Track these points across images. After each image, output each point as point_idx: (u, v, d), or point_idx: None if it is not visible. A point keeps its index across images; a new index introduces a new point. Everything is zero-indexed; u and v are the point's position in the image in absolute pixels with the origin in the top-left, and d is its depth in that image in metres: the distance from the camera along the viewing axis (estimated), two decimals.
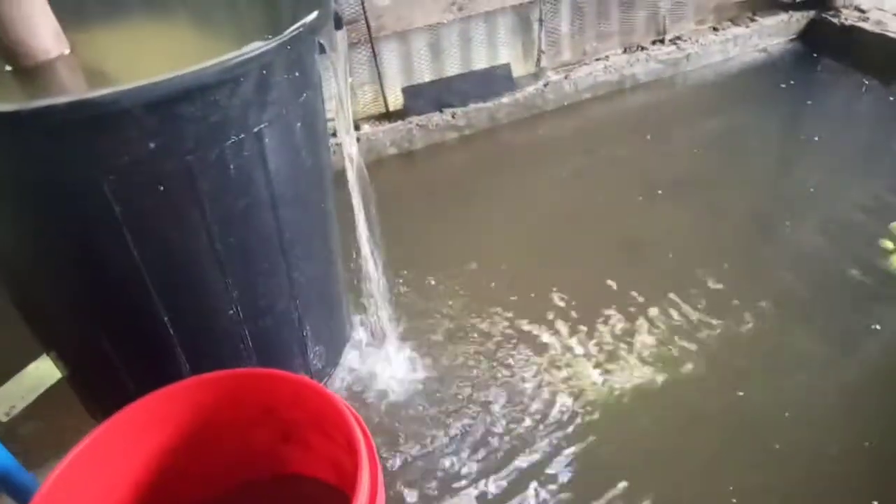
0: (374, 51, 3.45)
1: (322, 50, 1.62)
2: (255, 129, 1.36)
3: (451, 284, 2.62)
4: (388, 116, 3.65)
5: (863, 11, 3.92)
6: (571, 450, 1.95)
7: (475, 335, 2.38)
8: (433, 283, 2.64)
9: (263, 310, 1.57)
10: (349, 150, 1.89)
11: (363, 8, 3.29)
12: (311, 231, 1.69)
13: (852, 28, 3.82)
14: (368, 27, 3.37)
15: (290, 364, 1.71)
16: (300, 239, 1.61)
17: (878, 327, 2.25)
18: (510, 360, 2.27)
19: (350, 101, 1.89)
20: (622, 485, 1.84)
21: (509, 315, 2.46)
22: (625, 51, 4.00)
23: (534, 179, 3.28)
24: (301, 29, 1.35)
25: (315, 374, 1.80)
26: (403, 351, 2.28)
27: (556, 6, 3.76)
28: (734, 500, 1.77)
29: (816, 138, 3.25)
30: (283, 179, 1.49)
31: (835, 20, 3.93)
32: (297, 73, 1.46)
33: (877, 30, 3.71)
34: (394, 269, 2.64)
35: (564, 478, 1.87)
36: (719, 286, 2.48)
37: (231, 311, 1.51)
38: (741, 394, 2.07)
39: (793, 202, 2.91)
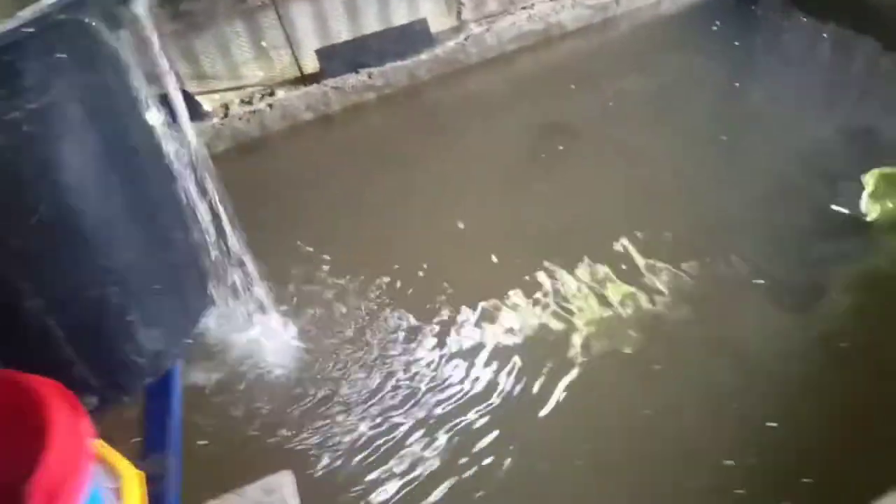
0: (278, 13, 3.34)
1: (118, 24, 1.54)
2: (10, 117, 1.31)
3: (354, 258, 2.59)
4: (303, 80, 3.55)
5: None
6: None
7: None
8: (328, 259, 2.61)
9: (70, 299, 1.54)
10: (186, 131, 1.83)
11: None
12: (122, 216, 1.64)
13: None
14: None
15: (119, 350, 1.70)
16: (105, 225, 1.57)
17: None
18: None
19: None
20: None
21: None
22: None
23: (452, 138, 3.20)
24: (46, 11, 1.27)
25: (153, 357, 1.79)
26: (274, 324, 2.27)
27: None
28: None
29: (737, 84, 3.12)
30: (67, 167, 1.44)
31: None
32: (64, 55, 1.39)
33: None
34: (286, 248, 2.63)
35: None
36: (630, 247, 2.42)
37: (31, 302, 1.48)
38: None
39: (707, 157, 2.82)
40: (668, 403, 1.88)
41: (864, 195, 2.41)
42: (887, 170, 2.42)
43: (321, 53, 3.50)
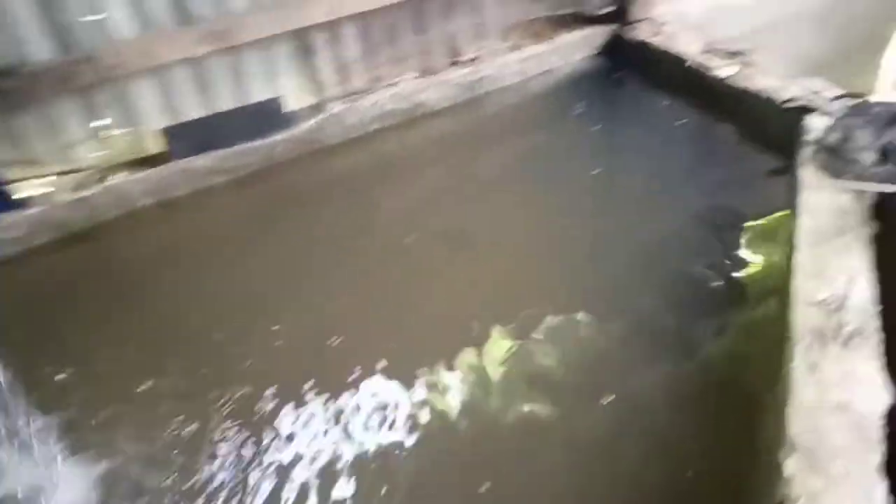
0: (114, 90, 3.05)
1: None
2: None
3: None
4: (148, 161, 3.25)
5: (659, 25, 3.81)
6: None
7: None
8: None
9: None
10: None
11: (85, 45, 2.89)
12: None
13: (644, 43, 3.70)
14: (101, 66, 2.97)
15: None
16: None
17: None
18: None
19: None
20: None
21: None
22: (420, 75, 3.74)
23: (304, 225, 2.99)
24: None
25: None
26: None
27: (338, 31, 3.45)
28: None
29: (597, 171, 3.08)
30: None
31: (631, 34, 3.81)
32: None
33: (666, 45, 3.59)
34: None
35: None
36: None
37: None
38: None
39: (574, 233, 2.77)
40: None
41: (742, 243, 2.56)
42: (761, 222, 2.62)
43: (168, 133, 3.22)
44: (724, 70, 3.22)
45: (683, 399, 2.10)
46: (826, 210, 2.26)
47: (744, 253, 2.58)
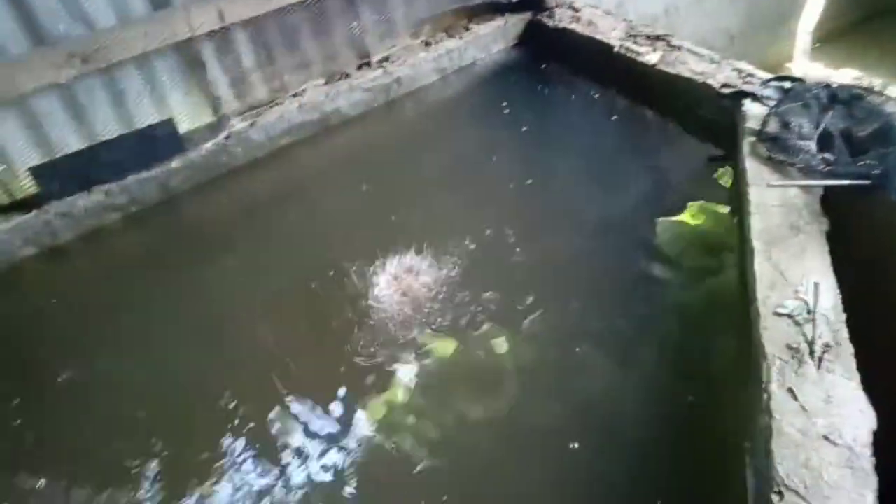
0: None
1: None
2: None
3: None
4: (17, 206, 2.81)
5: (576, 10, 3.62)
6: None
7: None
8: None
9: None
10: None
11: None
12: None
13: (565, 30, 3.51)
14: None
15: None
16: None
17: None
18: None
19: None
20: None
21: None
22: (327, 81, 3.41)
23: (216, 261, 2.65)
24: None
25: None
26: None
27: (228, 39, 3.07)
28: None
29: (530, 181, 2.86)
30: None
31: (549, 22, 3.60)
32: None
33: (587, 32, 3.41)
34: None
35: None
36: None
37: None
38: None
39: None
40: None
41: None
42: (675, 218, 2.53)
43: (37, 172, 2.79)
44: (651, 56, 3.06)
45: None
46: (776, 208, 2.13)
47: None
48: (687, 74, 2.88)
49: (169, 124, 2.96)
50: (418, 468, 1.87)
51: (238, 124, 3.15)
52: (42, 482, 1.95)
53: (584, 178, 2.85)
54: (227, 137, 3.08)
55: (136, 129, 2.93)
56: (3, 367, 2.35)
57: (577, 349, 2.14)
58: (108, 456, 2.00)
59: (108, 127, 2.96)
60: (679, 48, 3.08)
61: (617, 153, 2.95)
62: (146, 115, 3.01)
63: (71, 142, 2.90)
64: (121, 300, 2.54)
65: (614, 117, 3.19)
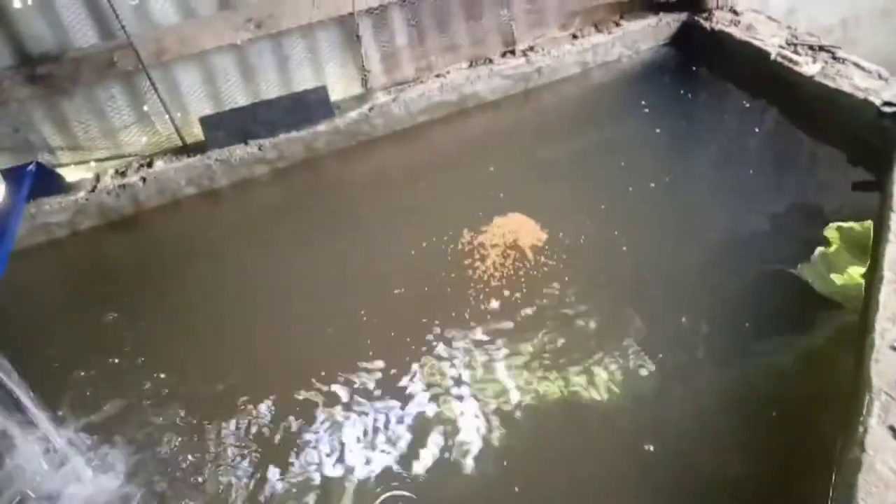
0: (149, 76, 2.99)
1: None
2: None
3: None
4: (185, 150, 3.20)
5: (736, 13, 3.46)
6: None
7: None
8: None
9: None
10: None
11: (125, 32, 2.83)
12: None
13: (721, 33, 3.37)
14: (143, 52, 2.91)
15: None
16: None
17: None
18: None
19: None
20: None
21: None
22: (470, 65, 3.53)
23: (353, 222, 2.86)
24: None
25: None
26: None
27: (385, 16, 3.29)
28: None
29: (667, 179, 2.80)
30: None
31: (706, 24, 3.47)
32: None
33: (744, 37, 3.25)
34: None
35: None
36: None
37: None
38: None
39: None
40: None
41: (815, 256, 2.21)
42: (845, 224, 2.26)
43: (206, 123, 3.16)
44: (810, 67, 2.87)
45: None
46: None
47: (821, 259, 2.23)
48: (847, 89, 2.68)
49: (322, 91, 3.22)
50: None
51: (382, 98, 3.35)
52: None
53: (713, 190, 2.74)
54: (370, 109, 3.29)
55: (293, 93, 3.22)
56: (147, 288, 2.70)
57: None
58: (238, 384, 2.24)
59: (269, 88, 3.28)
60: (843, 61, 2.86)
61: (755, 166, 2.79)
62: (303, 81, 3.30)
63: (238, 98, 3.25)
64: (262, 244, 2.81)
65: (759, 128, 3.02)
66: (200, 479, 1.94)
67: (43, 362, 2.33)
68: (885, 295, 1.82)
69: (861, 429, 1.53)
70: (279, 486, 1.90)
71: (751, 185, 2.72)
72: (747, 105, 3.15)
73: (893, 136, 2.39)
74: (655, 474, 1.81)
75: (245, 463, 1.97)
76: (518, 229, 2.59)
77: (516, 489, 1.81)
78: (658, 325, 2.17)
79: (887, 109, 2.48)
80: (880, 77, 2.71)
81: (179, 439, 2.05)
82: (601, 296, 2.31)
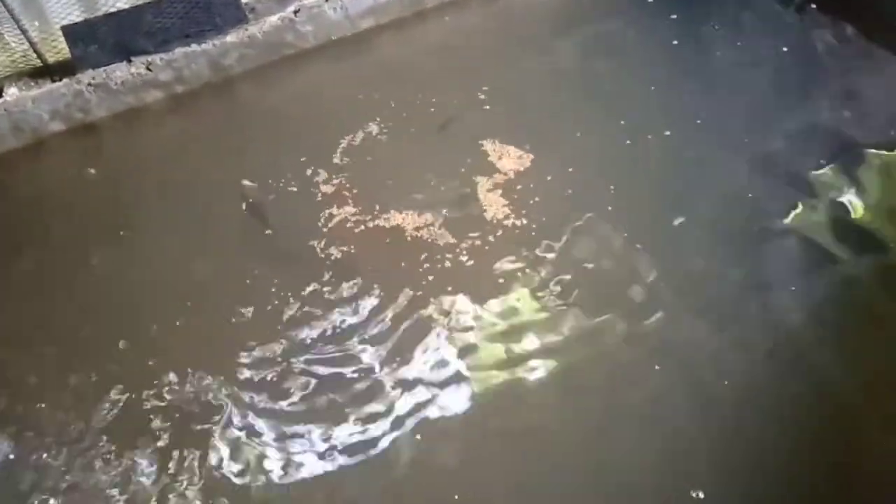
0: None
1: None
2: None
3: None
4: (48, 72, 2.39)
5: None
6: None
7: None
8: None
9: None
10: None
11: None
12: None
13: None
14: None
15: None
16: None
17: None
18: None
19: None
20: None
21: None
22: None
23: (273, 170, 2.13)
24: None
25: None
26: None
27: None
28: None
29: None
30: None
31: None
32: None
33: None
34: None
35: None
36: None
37: None
38: None
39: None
40: None
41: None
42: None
43: (71, 33, 2.34)
44: None
45: None
46: None
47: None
48: None
49: None
50: None
51: None
52: None
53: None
54: (296, 12, 2.49)
55: None
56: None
57: None
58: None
59: None
60: None
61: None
62: None
63: (112, 1, 2.42)
64: (153, 194, 2.08)
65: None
66: None
67: None
68: None
69: None
70: None
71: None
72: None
73: None
74: None
75: None
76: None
77: None
78: None
79: None
80: None
81: None
82: None
